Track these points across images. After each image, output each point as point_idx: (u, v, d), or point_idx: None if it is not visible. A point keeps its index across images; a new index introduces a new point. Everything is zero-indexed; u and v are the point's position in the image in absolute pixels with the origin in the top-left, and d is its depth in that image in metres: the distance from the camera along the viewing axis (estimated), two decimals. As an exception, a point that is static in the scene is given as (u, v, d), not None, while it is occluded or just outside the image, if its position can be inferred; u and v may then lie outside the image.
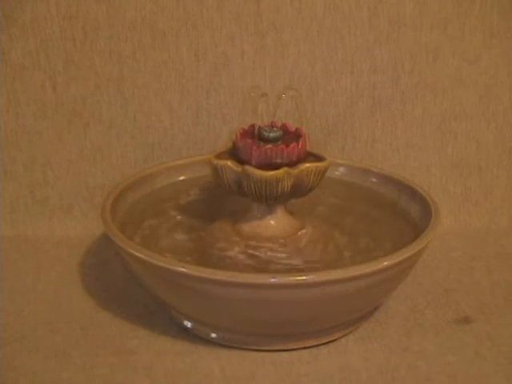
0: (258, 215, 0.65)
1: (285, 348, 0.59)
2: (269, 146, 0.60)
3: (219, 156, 0.63)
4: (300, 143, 0.61)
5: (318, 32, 0.80)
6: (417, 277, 0.70)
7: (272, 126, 0.63)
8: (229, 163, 0.61)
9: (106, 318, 0.64)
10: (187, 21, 0.78)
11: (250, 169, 0.59)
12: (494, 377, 0.56)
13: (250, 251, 0.62)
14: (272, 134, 0.62)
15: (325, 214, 0.71)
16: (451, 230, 0.82)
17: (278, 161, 0.60)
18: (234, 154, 0.63)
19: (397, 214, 0.69)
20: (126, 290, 0.69)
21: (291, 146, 0.60)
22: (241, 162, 0.61)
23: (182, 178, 0.75)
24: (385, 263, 0.54)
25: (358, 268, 0.54)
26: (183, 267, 0.53)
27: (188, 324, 0.62)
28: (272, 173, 0.59)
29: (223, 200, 0.73)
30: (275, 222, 0.64)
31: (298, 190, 0.61)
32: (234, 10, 0.79)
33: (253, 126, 0.63)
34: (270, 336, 0.59)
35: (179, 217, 0.71)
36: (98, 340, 0.61)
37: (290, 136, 0.62)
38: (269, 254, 0.62)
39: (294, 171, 0.59)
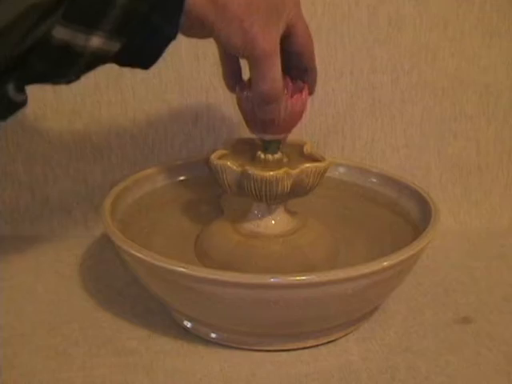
0: (257, 215, 0.65)
1: (285, 348, 0.59)
2: None
3: (219, 156, 0.63)
4: (303, 93, 0.60)
5: (318, 31, 0.80)
6: (417, 277, 0.70)
7: None
8: (229, 163, 0.61)
9: (106, 318, 0.64)
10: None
11: (250, 169, 0.59)
12: (494, 377, 0.56)
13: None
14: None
15: (324, 214, 0.71)
16: (451, 230, 0.82)
17: (282, 114, 0.59)
18: (233, 154, 0.63)
19: (396, 213, 0.69)
20: (126, 290, 0.69)
21: (295, 96, 0.59)
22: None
23: (181, 178, 0.75)
24: (385, 263, 0.54)
25: (357, 268, 0.53)
26: (183, 267, 0.53)
27: (188, 324, 0.62)
28: (272, 173, 0.59)
29: (223, 200, 0.74)
30: (275, 222, 0.65)
31: (298, 190, 0.62)
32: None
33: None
34: (270, 336, 0.59)
35: (179, 217, 0.72)
36: (98, 340, 0.61)
37: (292, 89, 0.61)
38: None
39: (294, 171, 0.59)
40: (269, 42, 0.53)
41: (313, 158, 0.63)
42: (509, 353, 0.59)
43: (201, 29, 0.51)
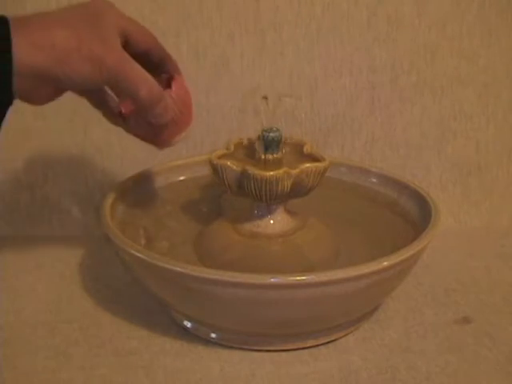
0: (257, 215, 0.65)
1: (285, 348, 0.59)
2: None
3: (219, 156, 0.63)
4: (177, 79, 0.59)
5: (317, 31, 0.80)
6: (417, 277, 0.70)
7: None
8: (229, 163, 0.61)
9: (105, 318, 0.64)
10: (187, 21, 0.78)
11: (250, 169, 0.59)
12: (494, 376, 0.56)
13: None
14: (272, 134, 0.62)
15: (324, 214, 0.71)
16: (451, 230, 0.82)
17: (176, 108, 0.58)
18: (233, 153, 0.63)
19: (396, 213, 0.69)
20: (126, 290, 0.69)
21: (172, 84, 0.59)
22: None
23: (181, 178, 0.75)
24: (385, 263, 0.54)
25: (357, 268, 0.54)
26: (183, 267, 0.53)
27: (188, 324, 0.62)
28: (272, 173, 0.59)
29: (223, 200, 0.74)
30: (275, 222, 0.65)
31: (298, 189, 0.62)
32: (234, 9, 0.79)
33: None
34: (270, 336, 0.59)
35: (179, 217, 0.71)
36: (98, 340, 0.61)
37: (164, 83, 0.60)
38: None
39: (294, 171, 0.59)
40: (115, 53, 0.52)
41: (313, 158, 0.63)
42: (509, 353, 0.59)
43: (44, 82, 0.50)
